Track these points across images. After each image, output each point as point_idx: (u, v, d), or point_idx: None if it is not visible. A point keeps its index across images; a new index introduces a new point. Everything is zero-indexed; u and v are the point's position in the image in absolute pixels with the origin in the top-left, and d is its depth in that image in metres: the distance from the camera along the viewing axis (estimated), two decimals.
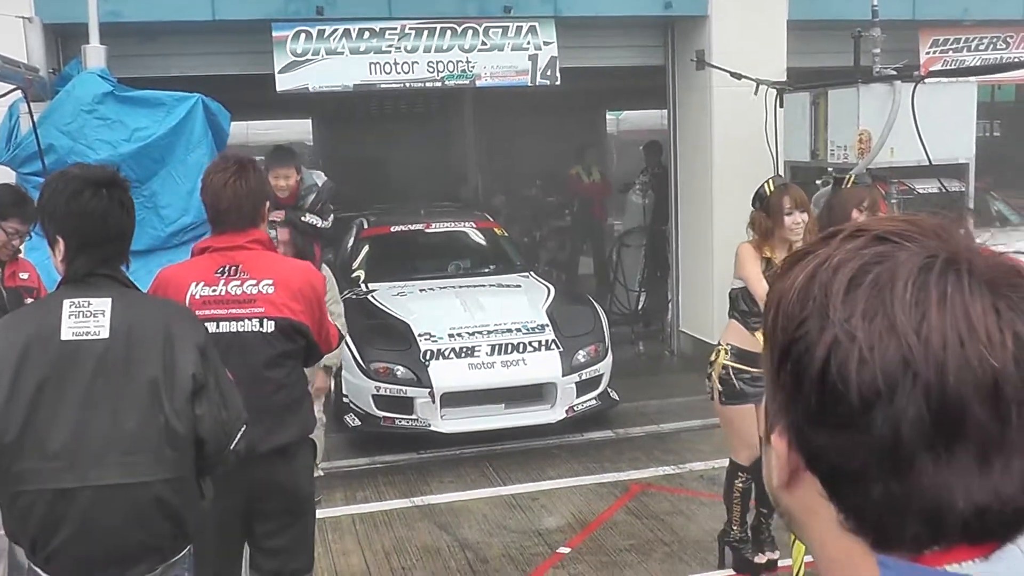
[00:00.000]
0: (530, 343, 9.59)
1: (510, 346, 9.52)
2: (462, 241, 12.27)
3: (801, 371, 1.04)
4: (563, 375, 9.45)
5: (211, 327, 4.08)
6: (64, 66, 9.39)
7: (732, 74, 10.63)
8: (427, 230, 12.05)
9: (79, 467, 3.48)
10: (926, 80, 9.18)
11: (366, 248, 11.60)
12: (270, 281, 4.56)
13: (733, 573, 6.75)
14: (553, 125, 19.91)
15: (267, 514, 4.68)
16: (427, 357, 9.31)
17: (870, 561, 1.05)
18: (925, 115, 8.72)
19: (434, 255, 11.92)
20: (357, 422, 9.41)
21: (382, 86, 11.08)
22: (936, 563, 1.02)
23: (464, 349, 9.43)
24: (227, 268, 4.57)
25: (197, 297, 4.47)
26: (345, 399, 9.55)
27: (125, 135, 7.72)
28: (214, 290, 4.51)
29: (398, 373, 9.28)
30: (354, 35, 10.71)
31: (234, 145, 9.21)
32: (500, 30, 10.93)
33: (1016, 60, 12.18)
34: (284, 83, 10.67)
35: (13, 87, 7.72)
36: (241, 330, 4.50)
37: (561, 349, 9.58)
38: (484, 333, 9.60)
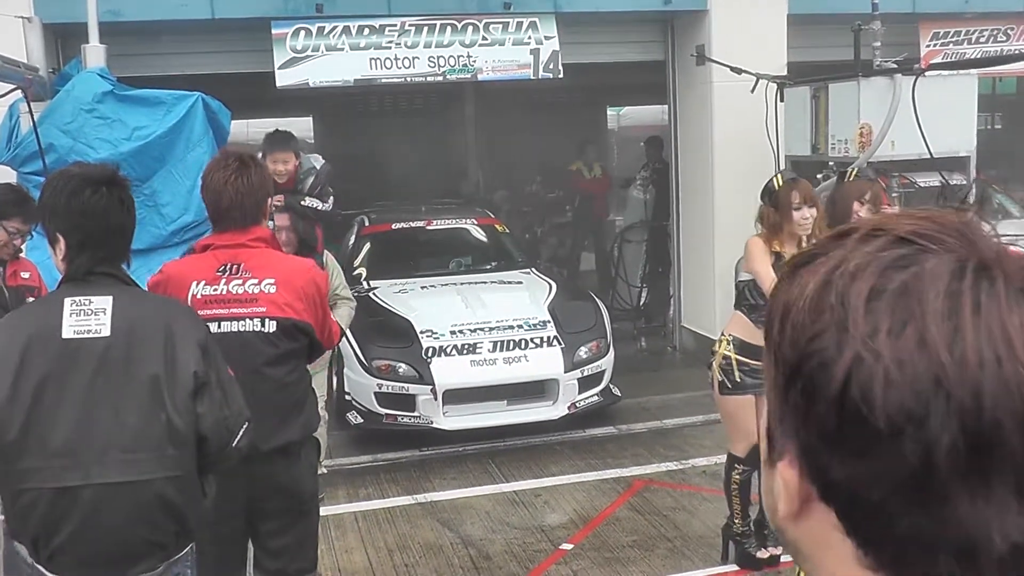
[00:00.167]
0: (532, 340, 9.58)
1: (512, 343, 9.52)
2: (463, 238, 12.27)
3: (816, 391, 0.93)
4: (565, 371, 9.45)
5: (212, 327, 4.06)
6: (64, 66, 9.40)
7: (732, 69, 10.62)
8: (428, 227, 12.04)
9: (81, 465, 3.49)
10: (927, 73, 9.18)
11: (367, 245, 11.60)
12: (272, 280, 4.52)
13: (736, 568, 6.75)
14: (554, 121, 19.89)
15: (270, 513, 4.67)
16: (429, 354, 9.31)
17: None
18: (926, 108, 8.71)
19: (435, 252, 11.92)
20: (359, 420, 9.41)
21: (383, 81, 11.07)
22: None
23: (466, 346, 9.43)
24: (228, 267, 4.53)
25: (198, 296, 4.44)
26: (347, 397, 9.55)
27: (125, 134, 7.73)
28: (215, 289, 4.47)
29: (400, 370, 9.28)
30: (354, 32, 10.70)
31: (235, 143, 9.21)
32: (500, 26, 10.92)
33: (1017, 52, 12.17)
34: (284, 79, 10.66)
35: (13, 87, 7.73)
36: (242, 330, 4.47)
37: (563, 345, 9.57)
38: (486, 330, 9.60)
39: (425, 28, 10.79)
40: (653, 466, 8.81)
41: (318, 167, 8.78)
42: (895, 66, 9.24)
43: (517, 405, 9.43)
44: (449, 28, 10.84)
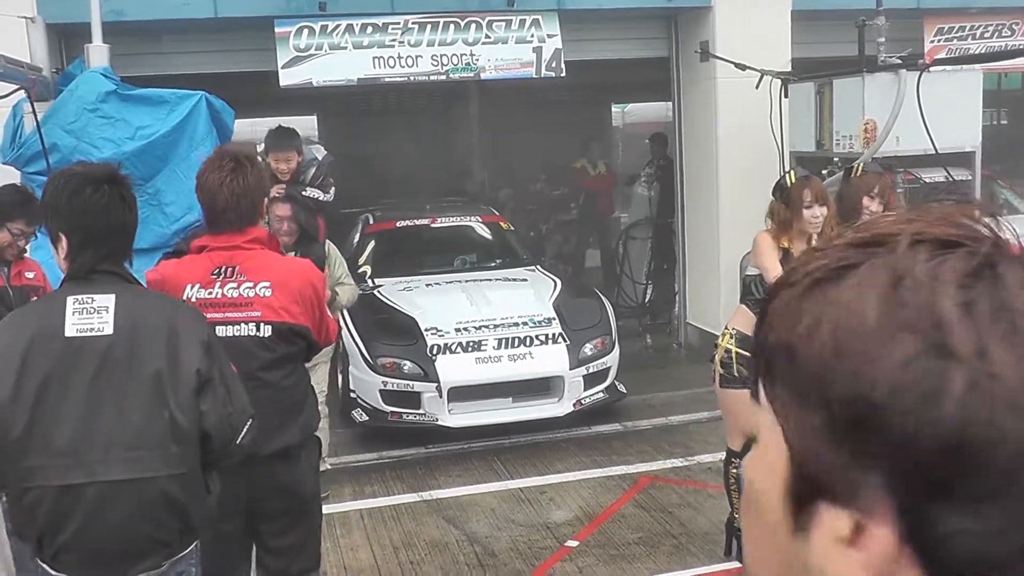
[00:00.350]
0: (537, 337, 9.58)
1: (517, 340, 9.51)
2: (468, 235, 12.26)
3: (918, 432, 0.75)
4: (570, 368, 9.44)
5: None
6: (67, 65, 9.40)
7: (736, 65, 10.60)
8: (433, 225, 12.05)
9: (85, 463, 3.49)
10: (931, 69, 9.15)
11: (372, 243, 11.61)
12: (267, 283, 4.47)
13: (740, 564, 6.74)
14: (558, 118, 19.89)
15: (271, 514, 4.66)
16: (434, 352, 9.31)
17: None
18: (931, 104, 8.68)
19: (440, 250, 11.91)
20: (364, 417, 9.41)
21: (386, 80, 11.07)
22: None
23: (471, 343, 9.43)
24: (223, 269, 4.48)
25: (193, 300, 4.39)
26: (352, 394, 9.55)
27: (129, 133, 7.73)
28: (210, 293, 4.43)
29: (405, 368, 9.28)
30: (357, 30, 10.70)
31: (239, 142, 9.21)
32: (504, 23, 10.92)
33: (1022, 48, 12.14)
34: (287, 78, 10.66)
35: (17, 87, 7.73)
36: (237, 334, 4.42)
37: (568, 342, 9.57)
38: (491, 327, 9.60)
39: (428, 26, 10.78)
40: (658, 463, 8.81)
41: (320, 158, 8.78)
42: (899, 62, 9.22)
43: (522, 402, 9.43)
44: (452, 26, 10.83)
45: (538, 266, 11.57)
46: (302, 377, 4.81)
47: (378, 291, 10.40)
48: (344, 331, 9.64)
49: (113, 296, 3.60)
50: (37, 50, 8.86)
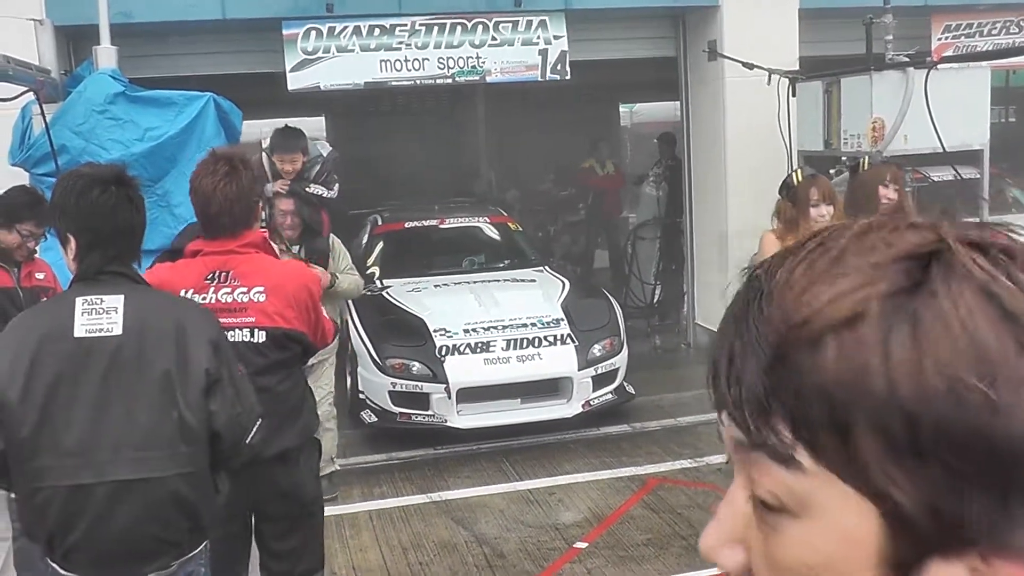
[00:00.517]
0: (545, 338, 9.57)
1: (525, 341, 9.51)
2: (476, 236, 12.26)
3: None
4: (579, 369, 9.43)
5: None
6: (76, 67, 9.43)
7: (744, 64, 10.60)
8: (441, 226, 12.05)
9: (95, 463, 3.50)
10: (939, 66, 9.13)
11: (380, 244, 11.62)
12: (261, 288, 4.44)
13: None
14: (566, 118, 19.88)
15: (273, 518, 4.66)
16: (442, 353, 9.31)
17: None
18: (938, 102, 8.67)
19: (448, 251, 11.91)
20: (373, 418, 9.41)
21: (393, 84, 11.09)
22: None
23: (479, 344, 9.43)
24: (217, 274, 4.45)
25: None
26: (361, 395, 9.56)
27: (137, 135, 7.75)
28: (203, 298, 4.39)
29: (414, 369, 9.27)
30: (364, 32, 10.72)
31: (247, 143, 9.23)
32: (510, 24, 10.93)
33: None
34: (295, 82, 10.69)
35: (25, 89, 7.75)
36: (231, 340, 4.34)
37: (576, 343, 9.56)
38: (499, 328, 9.59)
39: (435, 28, 10.80)
40: (667, 464, 8.79)
41: (324, 154, 8.79)
42: (907, 60, 9.21)
43: (531, 403, 9.42)
44: (459, 27, 10.84)
45: (546, 267, 11.57)
46: (298, 381, 4.79)
47: (386, 292, 10.40)
48: (352, 332, 9.66)
49: (122, 297, 3.60)
50: (45, 52, 8.88)
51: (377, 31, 10.72)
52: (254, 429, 3.76)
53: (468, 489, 8.43)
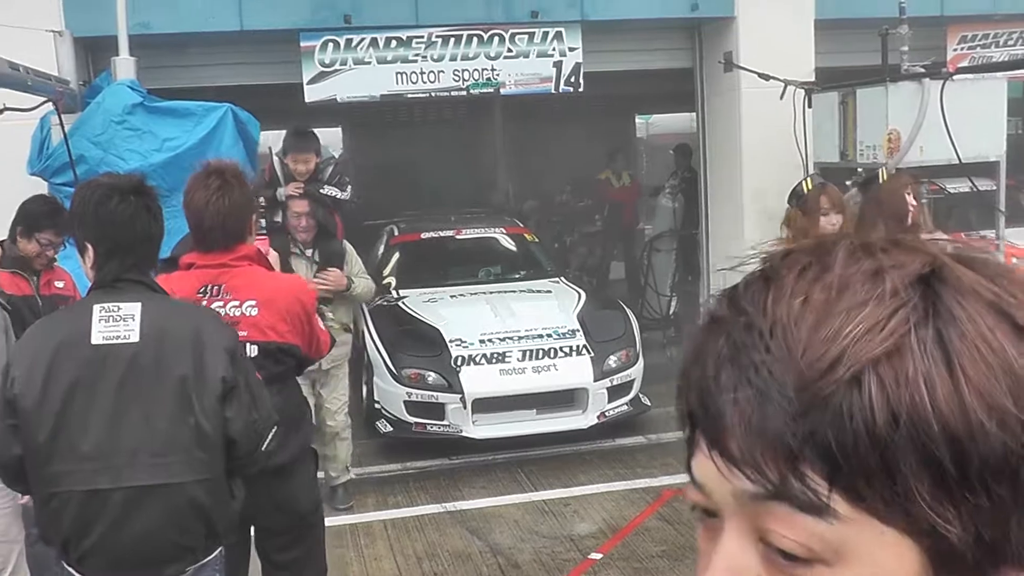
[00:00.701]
0: (561, 349, 9.57)
1: (541, 352, 9.51)
2: (492, 247, 12.27)
3: None
4: (594, 380, 9.42)
5: None
6: (94, 78, 9.48)
7: (760, 75, 10.58)
8: (457, 236, 12.06)
9: (111, 469, 3.53)
10: (955, 77, 9.11)
11: (397, 255, 11.64)
12: (253, 302, 4.42)
13: None
14: (583, 129, 19.90)
15: (271, 530, 4.65)
16: (458, 363, 9.32)
17: None
18: (954, 113, 8.64)
19: (465, 261, 11.92)
20: (389, 428, 9.42)
21: (408, 96, 11.14)
22: None
23: (495, 355, 9.43)
24: (210, 288, 4.43)
25: None
26: (377, 405, 9.57)
27: (155, 145, 7.81)
28: None
29: (429, 379, 9.28)
30: (381, 44, 10.77)
31: (265, 153, 9.29)
32: (526, 36, 10.97)
33: None
34: (313, 94, 10.75)
35: (44, 99, 7.81)
36: None
37: (592, 354, 9.55)
38: (515, 339, 9.59)
39: (451, 40, 10.84)
40: (683, 475, 8.61)
41: (336, 156, 8.81)
42: (923, 71, 9.18)
43: (546, 414, 9.42)
44: (475, 39, 10.88)
45: (562, 278, 11.58)
46: (292, 395, 4.76)
47: (402, 302, 10.42)
48: (368, 342, 9.68)
49: (139, 304, 3.63)
50: (64, 63, 8.95)
51: (394, 43, 10.77)
52: (270, 436, 3.79)
53: (483, 499, 8.43)
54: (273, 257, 5.13)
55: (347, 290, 8.04)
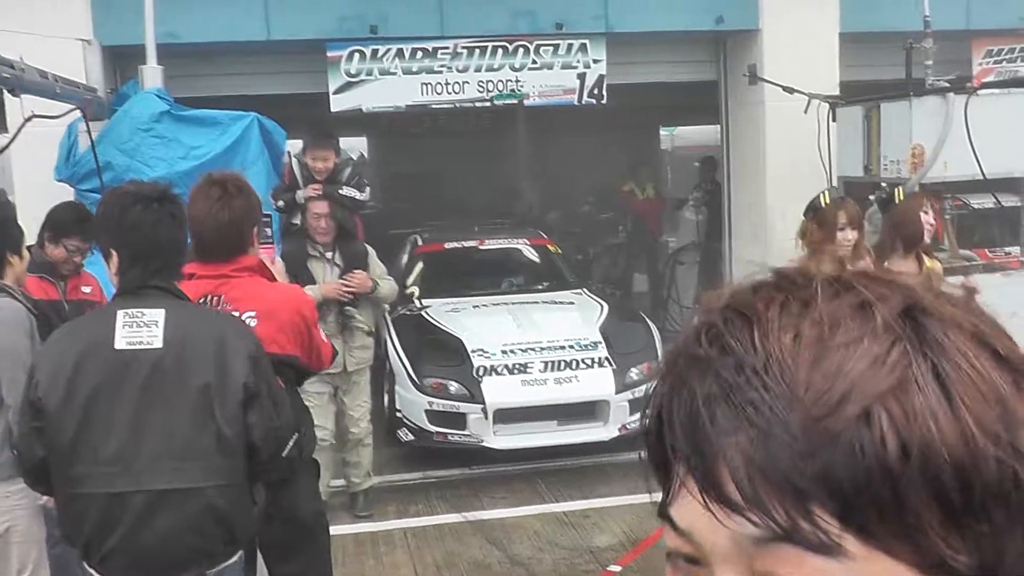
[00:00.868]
0: (583, 360, 9.56)
1: (563, 363, 9.50)
2: (516, 258, 12.28)
3: None
4: (616, 392, 9.40)
5: None
6: (121, 86, 9.56)
7: (784, 88, 10.58)
8: (481, 247, 12.08)
9: (132, 472, 3.56)
10: (979, 92, 9.08)
11: (420, 264, 11.66)
12: (253, 313, 4.38)
13: None
14: (607, 141, 19.87)
15: (272, 541, 4.63)
16: (480, 373, 9.33)
17: None
18: (979, 128, 8.61)
19: (488, 272, 11.92)
20: (410, 437, 9.44)
21: (433, 106, 11.20)
22: None
23: (517, 365, 9.43)
24: (208, 299, 4.39)
25: None
26: (398, 414, 9.58)
27: (182, 153, 7.87)
28: None
29: (451, 389, 9.30)
30: (407, 55, 10.84)
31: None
32: (551, 48, 11.01)
33: None
34: (338, 104, 10.81)
35: (72, 107, 7.88)
36: None
37: (614, 366, 9.53)
38: (537, 350, 9.59)
39: (476, 51, 10.90)
40: None
41: (355, 158, 8.84)
42: (947, 85, 9.16)
43: (568, 425, 9.41)
44: (500, 50, 10.94)
45: (585, 289, 11.57)
46: (293, 405, 4.64)
47: (425, 312, 10.44)
48: (391, 351, 9.71)
49: (163, 311, 3.66)
50: (92, 71, 9.05)
51: (419, 54, 10.84)
52: (291, 443, 3.81)
53: (503, 509, 8.44)
54: (278, 267, 5.11)
55: (372, 292, 8.08)
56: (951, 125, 8.78)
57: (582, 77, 11.08)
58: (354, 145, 18.05)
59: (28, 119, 6.96)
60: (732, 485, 0.76)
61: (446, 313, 10.38)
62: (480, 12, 10.91)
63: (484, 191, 18.77)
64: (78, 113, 7.92)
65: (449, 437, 9.24)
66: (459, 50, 10.90)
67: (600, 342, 9.76)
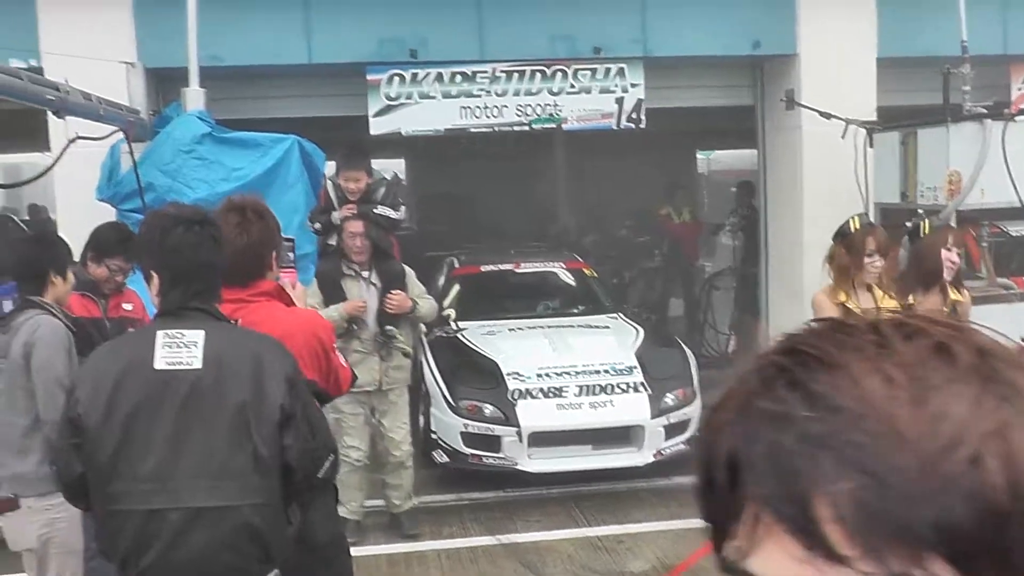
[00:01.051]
0: (618, 385, 9.55)
1: (598, 387, 9.50)
2: (551, 281, 12.31)
3: None
4: (651, 418, 9.37)
5: None
6: (164, 108, 9.67)
7: (821, 114, 10.56)
8: (517, 270, 12.10)
9: (170, 490, 3.60)
10: (1017, 118, 9.02)
11: (456, 287, 11.70)
12: None
13: None
14: (643, 164, 19.89)
15: (291, 567, 4.62)
16: (515, 396, 9.34)
17: None
18: (1016, 154, 8.56)
19: (524, 295, 11.95)
20: (445, 458, 9.46)
21: (472, 130, 11.26)
22: None
23: (552, 389, 9.44)
24: None
25: None
26: (433, 435, 9.61)
27: (223, 174, 7.94)
28: None
29: (486, 411, 9.31)
30: (446, 78, 10.91)
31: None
32: (589, 72, 11.06)
33: None
34: (378, 127, 10.90)
35: (115, 129, 7.98)
36: None
37: (649, 392, 9.50)
38: (572, 374, 9.60)
39: (515, 75, 10.96)
40: None
41: (389, 177, 8.89)
42: (985, 111, 9.11)
43: (602, 450, 9.38)
44: (539, 74, 10.99)
45: (620, 314, 11.57)
46: None
47: (461, 334, 10.47)
48: (427, 372, 9.75)
49: (202, 332, 3.70)
50: (136, 93, 9.14)
51: (458, 77, 10.91)
52: (327, 464, 3.85)
53: (537, 533, 8.44)
54: (299, 291, 5.09)
55: (412, 311, 8.13)
56: (988, 151, 8.73)
57: (620, 101, 11.11)
58: (392, 167, 18.16)
59: (72, 140, 7.05)
60: (838, 534, 0.73)
61: (482, 336, 10.41)
62: (519, 36, 10.97)
63: (520, 214, 18.82)
64: (121, 134, 8.02)
65: (484, 459, 9.26)
66: (498, 74, 10.97)
67: (636, 367, 9.75)
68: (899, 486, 0.72)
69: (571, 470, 9.24)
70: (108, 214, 8.11)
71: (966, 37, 9.56)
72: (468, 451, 9.29)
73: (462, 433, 9.30)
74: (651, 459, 9.32)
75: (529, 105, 11.03)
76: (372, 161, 8.94)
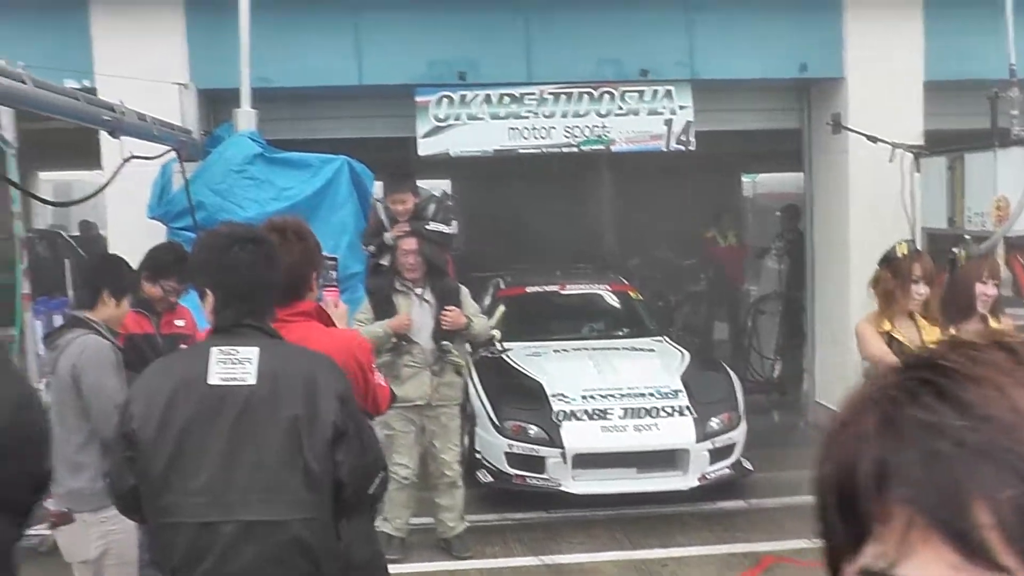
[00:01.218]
0: (663, 408, 9.52)
1: (643, 410, 9.48)
2: (597, 303, 12.32)
3: None
4: (696, 442, 9.33)
5: None
6: (215, 128, 9.79)
7: (868, 138, 10.52)
8: (562, 291, 12.11)
9: (222, 504, 3.64)
10: None
11: (502, 308, 11.70)
12: None
13: None
14: (689, 187, 19.87)
15: None
16: (560, 418, 9.35)
17: None
18: None
19: (569, 316, 11.97)
20: (489, 478, 9.47)
21: (520, 151, 11.30)
22: None
23: (597, 411, 9.44)
24: None
25: None
26: (478, 455, 9.63)
27: (273, 194, 8.04)
28: None
29: (531, 432, 9.32)
30: (494, 100, 10.97)
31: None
32: (636, 94, 11.08)
33: None
34: (426, 148, 10.97)
35: (168, 148, 8.10)
36: None
37: (695, 415, 9.46)
38: (617, 396, 9.59)
39: (563, 96, 11.00)
40: (783, 542, 8.59)
41: (437, 195, 8.93)
42: None
43: (647, 473, 9.35)
44: (586, 96, 11.03)
45: (665, 337, 11.56)
46: None
47: (507, 355, 10.49)
48: (472, 392, 9.77)
49: (256, 349, 3.75)
50: (188, 113, 9.28)
51: (507, 99, 10.97)
52: (377, 481, 3.89)
53: (580, 554, 8.43)
54: (341, 311, 5.11)
55: (466, 328, 8.18)
56: None
57: (669, 123, 11.12)
58: (440, 187, 18.26)
59: (127, 160, 7.18)
60: (997, 541, 0.74)
61: (527, 357, 10.44)
62: (566, 59, 11.04)
63: (566, 235, 18.81)
64: (173, 154, 8.14)
65: (528, 480, 9.26)
66: (545, 96, 11.02)
67: (681, 390, 9.72)
68: None
69: (615, 492, 9.23)
70: (159, 231, 8.23)
71: (1014, 60, 9.50)
72: (512, 471, 9.30)
73: (506, 453, 9.32)
74: (695, 483, 9.29)
75: (577, 126, 11.06)
76: (420, 182, 9.00)
